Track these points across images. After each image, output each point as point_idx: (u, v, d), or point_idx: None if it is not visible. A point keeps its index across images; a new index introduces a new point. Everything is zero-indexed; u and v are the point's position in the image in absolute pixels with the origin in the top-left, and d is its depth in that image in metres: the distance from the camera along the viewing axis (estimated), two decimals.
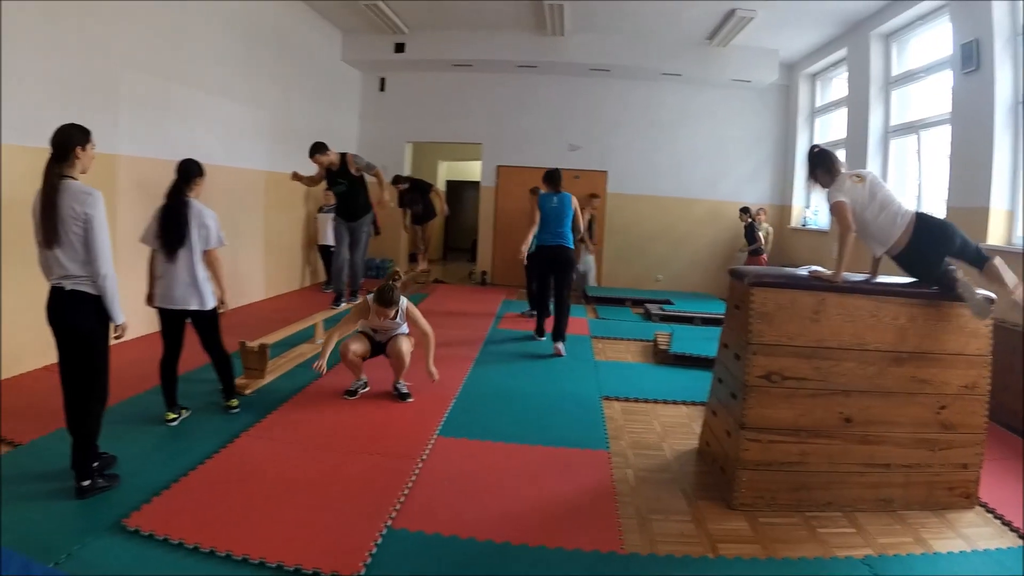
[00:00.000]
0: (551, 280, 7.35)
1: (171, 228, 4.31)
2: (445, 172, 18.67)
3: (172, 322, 4.50)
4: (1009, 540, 3.50)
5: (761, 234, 10.79)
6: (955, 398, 3.77)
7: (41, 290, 3.49)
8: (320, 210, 10.52)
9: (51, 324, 3.48)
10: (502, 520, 3.39)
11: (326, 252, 10.41)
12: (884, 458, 3.74)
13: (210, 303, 4.51)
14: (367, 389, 5.37)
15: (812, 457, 3.70)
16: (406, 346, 5.23)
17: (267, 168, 9.29)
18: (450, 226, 18.61)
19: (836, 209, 3.96)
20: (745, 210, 11.00)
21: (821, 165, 4.16)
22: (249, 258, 8.94)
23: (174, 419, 4.51)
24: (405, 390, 5.29)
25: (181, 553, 2.96)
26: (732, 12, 9.29)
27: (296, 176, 7.92)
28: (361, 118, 12.96)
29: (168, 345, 4.51)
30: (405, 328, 5.36)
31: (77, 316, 3.44)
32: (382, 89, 12.93)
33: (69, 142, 3.38)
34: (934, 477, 3.81)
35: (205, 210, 4.43)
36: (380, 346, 5.32)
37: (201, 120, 7.62)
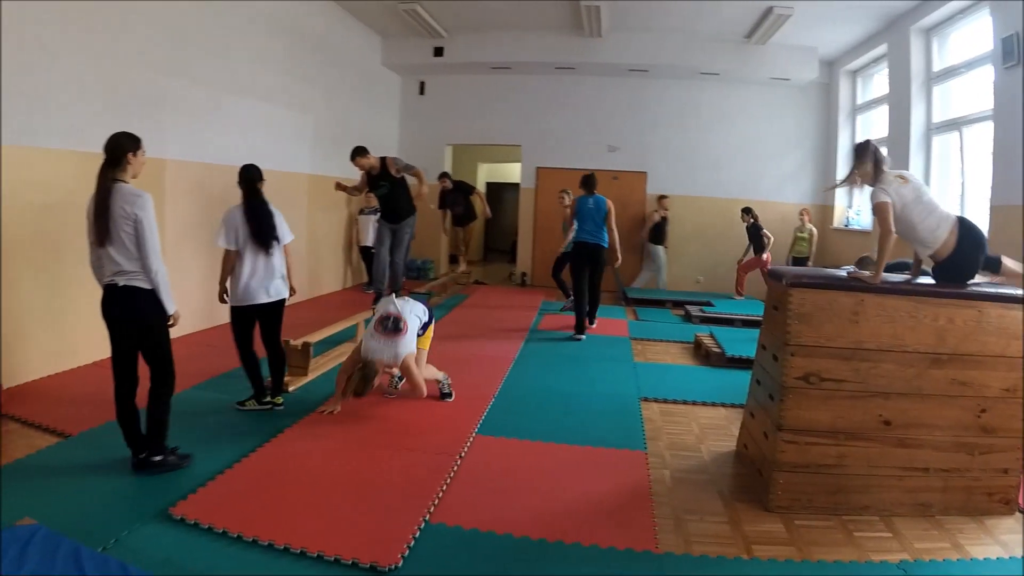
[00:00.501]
0: (587, 272, 7.94)
1: (264, 227, 4.79)
2: (485, 174, 18.75)
3: (248, 317, 4.89)
4: None
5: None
6: (996, 401, 3.72)
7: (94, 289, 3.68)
8: (361, 212, 10.65)
9: (107, 319, 3.69)
10: (538, 517, 3.44)
11: (367, 253, 10.55)
12: (923, 462, 3.71)
13: (285, 294, 5.00)
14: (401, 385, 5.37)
15: (850, 460, 3.68)
16: (411, 363, 4.79)
17: (310, 171, 9.45)
18: (490, 227, 18.69)
19: (879, 210, 3.93)
20: (747, 210, 11.05)
21: (872, 160, 4.10)
22: (293, 259, 9.08)
23: (280, 404, 4.97)
24: (447, 389, 5.30)
25: (224, 542, 3.06)
26: (770, 10, 9.25)
27: (339, 186, 8.06)
28: (401, 121, 13.13)
29: (246, 338, 4.92)
30: (409, 347, 4.80)
31: (135, 310, 3.66)
32: (422, 92, 13.08)
33: (121, 148, 3.60)
34: (973, 482, 3.76)
35: (275, 209, 4.88)
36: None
37: (246, 125, 7.79)
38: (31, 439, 4.18)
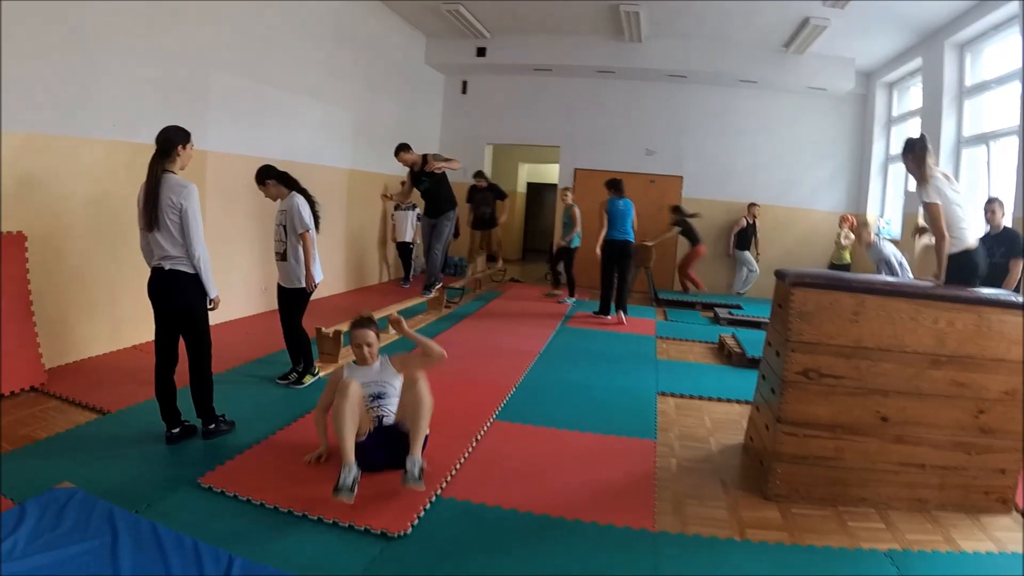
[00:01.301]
0: (616, 267, 8.95)
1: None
2: (526, 174, 18.98)
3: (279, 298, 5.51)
4: None
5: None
6: (994, 403, 3.82)
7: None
8: (397, 208, 10.86)
9: (152, 299, 4.01)
10: (543, 496, 3.63)
11: (404, 249, 10.83)
12: (920, 459, 3.82)
13: (297, 284, 5.33)
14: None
15: (848, 453, 3.82)
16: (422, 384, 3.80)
17: (350, 167, 9.71)
18: (529, 227, 18.92)
19: (932, 211, 4.08)
20: (676, 209, 11.68)
21: (927, 155, 4.27)
22: (330, 253, 9.36)
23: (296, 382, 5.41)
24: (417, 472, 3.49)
25: (247, 508, 3.31)
26: (806, 20, 9.35)
27: (386, 196, 8.30)
28: (443, 120, 13.41)
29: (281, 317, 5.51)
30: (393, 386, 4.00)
31: (178, 292, 3.96)
32: (464, 92, 13.33)
33: (171, 141, 3.88)
34: (970, 480, 3.87)
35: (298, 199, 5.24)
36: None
37: (289, 120, 8.08)
38: (71, 415, 4.47)
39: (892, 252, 7.17)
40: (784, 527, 3.52)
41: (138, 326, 5.78)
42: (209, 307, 4.12)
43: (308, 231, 5.13)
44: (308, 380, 5.40)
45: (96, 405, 4.61)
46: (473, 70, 12.91)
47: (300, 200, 5.16)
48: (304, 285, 5.25)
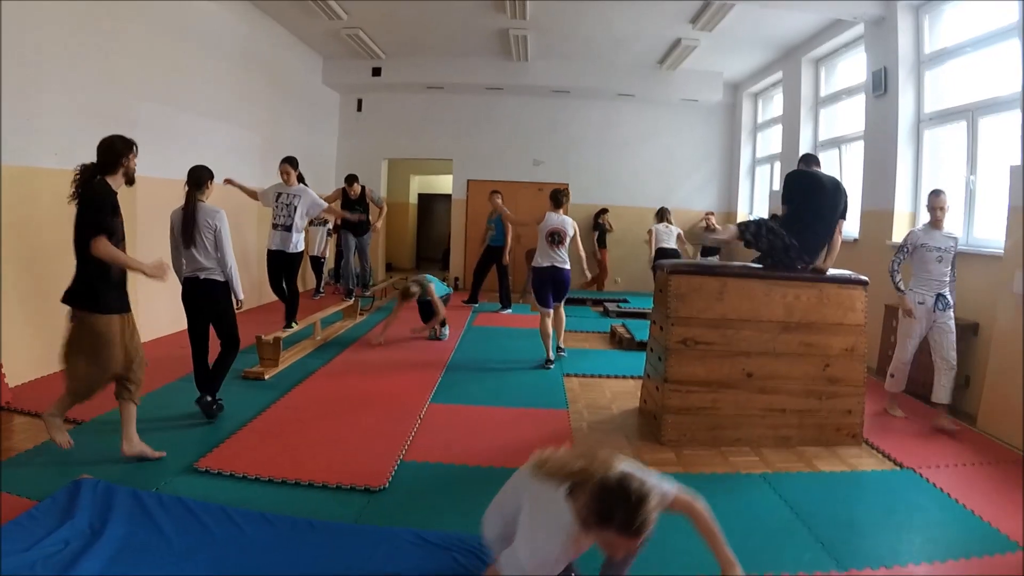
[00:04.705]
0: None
1: None
2: (417, 186, 19.46)
3: None
4: (886, 466, 4.59)
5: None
6: (837, 358, 4.88)
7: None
8: (311, 223, 11.24)
9: (187, 304, 4.91)
10: (483, 453, 4.47)
11: (316, 262, 11.37)
12: (781, 405, 4.84)
13: None
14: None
15: (722, 404, 4.80)
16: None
17: (259, 185, 10.11)
18: (421, 237, 19.45)
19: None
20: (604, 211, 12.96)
21: None
22: (244, 269, 9.68)
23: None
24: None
25: (244, 483, 3.91)
26: (679, 40, 10.41)
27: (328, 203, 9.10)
28: (340, 137, 13.86)
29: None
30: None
31: (212, 297, 4.80)
32: (359, 109, 13.81)
33: (203, 177, 4.82)
34: (823, 420, 4.90)
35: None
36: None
37: (202, 143, 8.42)
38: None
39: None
40: (679, 463, 4.44)
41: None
42: (236, 308, 5.02)
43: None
44: (294, 327, 7.08)
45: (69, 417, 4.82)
46: (368, 89, 13.37)
47: (309, 189, 7.36)
48: (302, 250, 7.40)
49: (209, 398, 4.93)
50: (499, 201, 8.65)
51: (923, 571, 3.21)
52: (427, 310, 8.06)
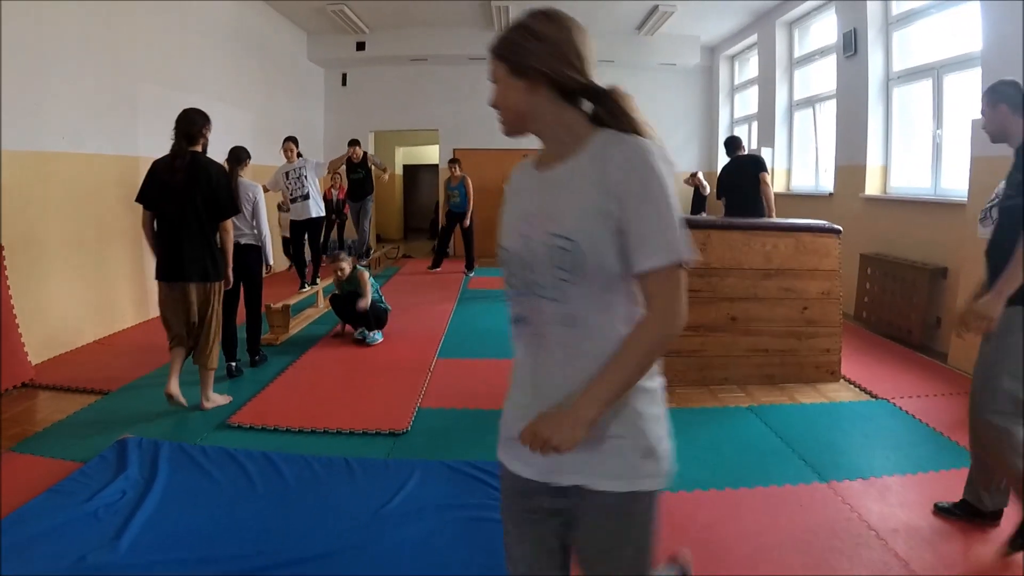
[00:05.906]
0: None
1: None
2: (402, 157, 19.59)
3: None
4: (862, 398, 5.02)
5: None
6: (814, 302, 5.28)
7: None
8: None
9: None
10: (493, 398, 4.71)
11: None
12: (764, 346, 5.25)
13: None
14: None
15: (710, 346, 5.20)
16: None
17: (253, 163, 10.31)
18: (409, 207, 19.66)
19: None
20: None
21: None
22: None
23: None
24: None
25: (276, 435, 4.26)
26: (656, 7, 10.71)
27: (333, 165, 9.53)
28: (326, 111, 14.03)
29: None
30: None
31: (245, 260, 5.25)
32: (344, 84, 13.98)
33: (242, 155, 5.57)
34: (803, 359, 5.32)
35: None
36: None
37: None
38: (74, 401, 4.90)
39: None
40: (672, 400, 4.66)
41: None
42: (265, 272, 5.63)
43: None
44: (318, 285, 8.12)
45: (97, 388, 5.12)
46: (353, 63, 13.52)
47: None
48: (324, 214, 8.52)
49: (257, 356, 5.69)
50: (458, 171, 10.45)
51: (896, 481, 3.62)
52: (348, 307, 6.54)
